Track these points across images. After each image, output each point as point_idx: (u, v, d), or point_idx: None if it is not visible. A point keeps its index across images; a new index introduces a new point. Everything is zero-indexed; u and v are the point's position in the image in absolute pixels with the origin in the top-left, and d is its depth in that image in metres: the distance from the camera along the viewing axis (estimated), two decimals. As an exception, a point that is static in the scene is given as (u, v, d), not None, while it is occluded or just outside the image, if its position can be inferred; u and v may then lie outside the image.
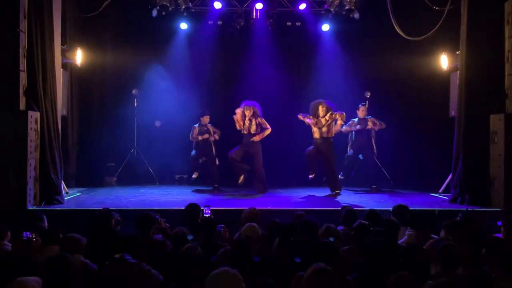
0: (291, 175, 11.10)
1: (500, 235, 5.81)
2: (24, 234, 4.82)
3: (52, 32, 8.54)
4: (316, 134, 9.67)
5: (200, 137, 10.52)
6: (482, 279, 3.73)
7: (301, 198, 9.47)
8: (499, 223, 6.07)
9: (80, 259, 4.44)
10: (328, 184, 9.83)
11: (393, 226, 5.41)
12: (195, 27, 11.79)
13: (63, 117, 9.73)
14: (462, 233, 5.39)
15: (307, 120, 9.72)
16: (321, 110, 9.61)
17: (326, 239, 4.81)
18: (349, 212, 6.09)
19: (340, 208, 6.64)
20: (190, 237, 4.94)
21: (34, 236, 4.80)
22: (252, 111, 9.89)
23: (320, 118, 9.62)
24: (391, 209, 6.42)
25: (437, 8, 9.69)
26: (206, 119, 10.69)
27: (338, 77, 11.59)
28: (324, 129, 9.59)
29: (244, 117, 9.93)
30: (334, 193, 9.66)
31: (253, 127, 9.91)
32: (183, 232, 5.10)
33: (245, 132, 9.96)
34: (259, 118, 9.95)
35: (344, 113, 9.69)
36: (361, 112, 10.65)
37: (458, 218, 5.93)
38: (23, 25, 7.78)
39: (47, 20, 8.34)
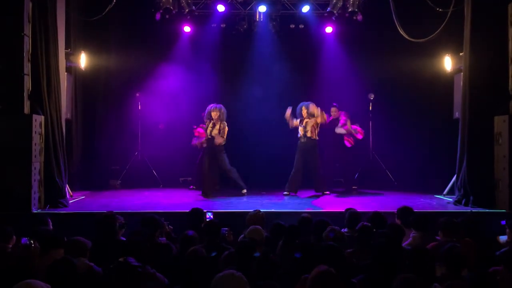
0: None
1: (505, 237, 5.80)
2: (22, 240, 4.82)
3: (56, 36, 8.57)
4: (301, 133, 9.85)
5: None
6: (487, 281, 3.72)
7: (302, 200, 9.47)
8: (503, 222, 6.07)
9: (84, 262, 4.45)
10: (314, 185, 9.99)
11: (398, 229, 5.41)
12: (199, 30, 11.81)
13: (67, 121, 9.75)
14: (463, 233, 5.41)
15: (291, 122, 9.96)
16: (304, 112, 9.83)
17: (330, 241, 4.81)
18: (353, 215, 6.09)
19: (344, 210, 6.63)
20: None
21: (32, 242, 4.80)
22: (218, 113, 9.85)
23: (305, 119, 9.81)
24: (395, 211, 6.42)
25: (440, 9, 9.68)
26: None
27: (341, 79, 11.60)
28: (308, 129, 9.76)
29: (210, 119, 9.91)
30: (321, 193, 9.79)
31: (215, 131, 9.82)
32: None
33: (209, 137, 9.88)
34: (223, 123, 9.88)
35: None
36: (333, 112, 10.76)
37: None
38: (27, 29, 7.81)
39: (51, 24, 8.37)
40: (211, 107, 9.90)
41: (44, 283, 3.56)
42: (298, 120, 9.94)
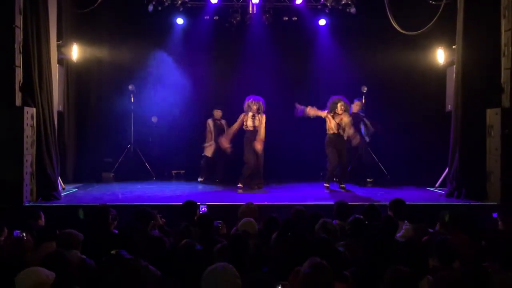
0: (287, 170, 11.11)
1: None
2: (15, 233, 4.81)
3: (47, 28, 8.50)
4: (333, 130, 9.58)
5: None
6: (480, 274, 3.74)
7: (299, 193, 9.48)
8: (494, 214, 6.11)
9: (77, 255, 4.44)
10: (339, 178, 9.80)
11: (391, 222, 5.42)
12: (192, 22, 11.74)
13: (59, 113, 9.70)
14: (458, 226, 5.42)
15: (319, 112, 9.59)
16: (339, 107, 9.53)
17: (322, 234, 4.82)
18: (342, 206, 6.07)
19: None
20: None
21: (24, 235, 4.78)
22: (257, 106, 9.80)
23: (339, 115, 9.53)
24: (387, 203, 6.44)
25: (433, 2, 9.68)
26: (218, 113, 10.88)
27: (334, 71, 11.57)
28: (344, 126, 9.54)
29: (249, 111, 9.83)
30: (343, 186, 9.66)
31: (257, 123, 9.80)
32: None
33: (251, 128, 9.82)
34: (263, 115, 9.86)
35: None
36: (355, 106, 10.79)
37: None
38: (19, 20, 7.75)
39: (43, 15, 8.30)
40: (251, 100, 9.83)
41: (50, 273, 3.56)
42: (327, 113, 9.57)
